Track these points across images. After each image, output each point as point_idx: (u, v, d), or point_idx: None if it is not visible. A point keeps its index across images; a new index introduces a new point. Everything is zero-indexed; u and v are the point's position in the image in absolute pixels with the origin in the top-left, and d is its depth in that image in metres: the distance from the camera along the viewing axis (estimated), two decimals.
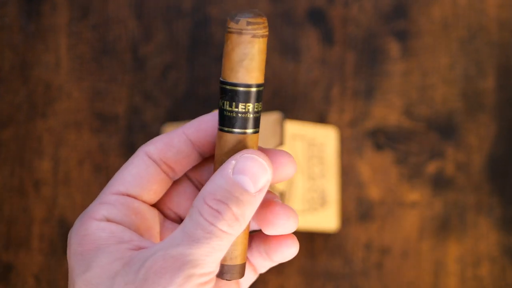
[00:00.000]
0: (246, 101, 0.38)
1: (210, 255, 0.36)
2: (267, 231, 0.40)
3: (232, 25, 0.38)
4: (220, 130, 0.39)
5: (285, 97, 0.64)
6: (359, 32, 0.65)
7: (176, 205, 0.42)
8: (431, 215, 0.64)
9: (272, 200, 0.40)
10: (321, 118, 0.64)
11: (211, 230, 0.36)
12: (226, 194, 0.37)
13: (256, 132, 0.39)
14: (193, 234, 0.36)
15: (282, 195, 0.57)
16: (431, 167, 0.64)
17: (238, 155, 0.38)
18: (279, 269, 0.63)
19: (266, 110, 0.64)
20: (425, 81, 0.65)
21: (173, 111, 0.64)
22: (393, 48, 0.65)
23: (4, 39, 0.65)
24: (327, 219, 0.63)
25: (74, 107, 0.64)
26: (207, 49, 0.65)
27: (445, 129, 0.64)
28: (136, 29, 0.65)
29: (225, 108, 0.38)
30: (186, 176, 0.42)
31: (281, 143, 0.58)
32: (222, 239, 0.37)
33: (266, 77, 0.65)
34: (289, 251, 0.41)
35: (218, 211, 0.36)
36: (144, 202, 0.40)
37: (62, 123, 0.64)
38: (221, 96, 0.39)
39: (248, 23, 0.38)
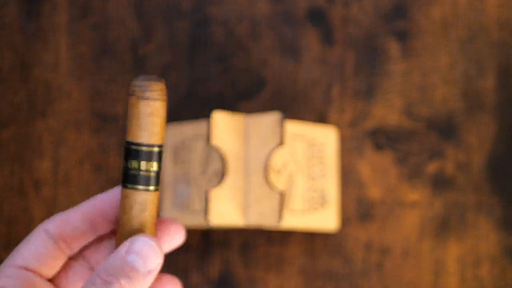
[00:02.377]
0: (149, 159, 0.42)
1: None
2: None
3: (133, 90, 0.42)
4: (124, 187, 0.43)
5: (285, 97, 0.64)
6: (359, 32, 0.65)
7: (71, 283, 0.45)
8: (431, 215, 0.64)
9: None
10: (321, 118, 0.64)
11: None
12: (118, 270, 0.41)
13: (157, 189, 0.43)
14: None
15: (282, 195, 0.57)
16: (431, 167, 0.64)
17: (132, 238, 0.42)
18: (279, 269, 0.63)
19: (266, 110, 0.64)
20: (425, 81, 0.65)
21: (172, 111, 0.64)
22: (393, 48, 0.65)
23: (4, 39, 0.65)
24: (327, 219, 0.63)
25: (74, 107, 0.64)
26: (207, 49, 0.65)
27: (445, 129, 0.64)
28: (136, 29, 0.65)
29: (129, 166, 0.42)
30: (82, 255, 0.46)
31: (281, 143, 0.58)
32: None
33: (266, 77, 0.65)
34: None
35: (108, 282, 0.41)
36: (41, 276, 0.44)
37: (62, 123, 0.64)
38: (126, 155, 0.42)
39: (148, 89, 0.42)
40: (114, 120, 0.64)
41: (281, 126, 0.58)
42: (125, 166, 0.43)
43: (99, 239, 0.46)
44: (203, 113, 0.64)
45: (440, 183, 0.64)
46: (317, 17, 0.65)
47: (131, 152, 0.42)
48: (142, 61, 0.65)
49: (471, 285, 0.63)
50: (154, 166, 0.43)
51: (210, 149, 0.60)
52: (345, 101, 0.65)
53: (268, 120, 0.59)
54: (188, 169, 0.61)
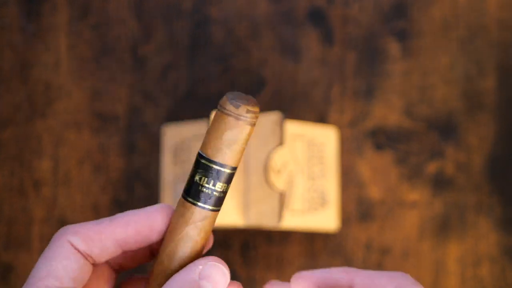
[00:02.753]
0: (226, 181, 0.40)
1: None
2: None
3: (231, 108, 0.39)
4: (185, 199, 0.41)
5: (285, 97, 0.64)
6: (359, 32, 0.65)
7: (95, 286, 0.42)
8: (431, 215, 0.64)
9: None
10: (321, 118, 0.64)
11: None
12: None
13: (218, 211, 0.41)
14: None
15: (282, 195, 0.57)
16: (431, 167, 0.64)
17: (203, 261, 0.40)
18: (279, 269, 0.63)
19: (266, 110, 0.64)
20: (425, 81, 0.65)
21: (173, 111, 0.64)
22: (393, 48, 0.65)
23: (4, 39, 0.65)
24: (327, 219, 0.63)
25: (74, 107, 0.64)
26: (207, 49, 0.65)
27: (445, 129, 0.64)
28: (136, 29, 0.65)
29: (197, 180, 0.40)
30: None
31: (281, 143, 0.58)
32: None
33: (266, 77, 0.65)
34: None
35: None
36: None
37: (62, 123, 0.64)
38: (197, 168, 0.40)
39: (248, 111, 0.39)
40: (114, 120, 0.64)
41: (281, 126, 0.58)
42: (192, 178, 0.40)
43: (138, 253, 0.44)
44: (203, 112, 0.64)
45: (440, 183, 0.64)
46: (317, 17, 0.65)
47: (204, 167, 0.40)
48: (142, 61, 0.65)
49: (471, 285, 0.63)
50: (223, 187, 0.40)
51: None
52: (345, 101, 0.65)
53: (268, 120, 0.59)
54: (188, 169, 0.61)
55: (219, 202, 0.41)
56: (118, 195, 0.63)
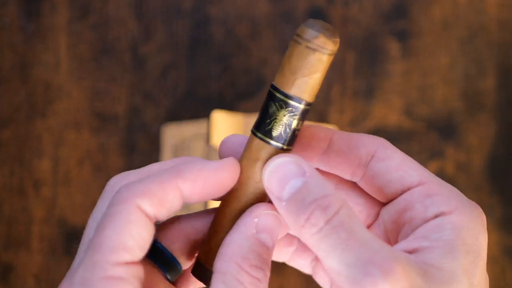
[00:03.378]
0: (301, 118, 0.37)
1: None
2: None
3: (307, 37, 0.36)
4: (255, 135, 0.37)
5: None
6: (359, 32, 0.65)
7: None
8: None
9: None
10: (321, 118, 0.64)
11: None
12: (258, 257, 0.35)
13: (290, 150, 0.37)
14: None
15: None
16: (431, 167, 0.64)
17: (257, 211, 0.36)
18: (279, 269, 0.63)
19: None
20: (425, 81, 0.65)
21: (173, 111, 0.64)
22: (393, 48, 0.65)
23: (4, 39, 0.65)
24: None
25: (73, 107, 0.64)
26: (207, 49, 0.65)
27: (445, 129, 0.64)
28: (136, 29, 0.65)
29: (275, 118, 0.36)
30: None
31: None
32: None
33: (266, 77, 0.65)
34: None
35: (258, 279, 0.35)
36: (139, 263, 0.35)
37: (61, 123, 0.64)
38: (274, 105, 0.37)
39: (325, 40, 0.35)
40: (114, 120, 0.64)
41: None
42: (265, 112, 0.37)
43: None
44: (203, 112, 0.64)
45: None
46: (317, 17, 0.65)
47: (277, 100, 0.36)
48: (142, 61, 0.65)
49: None
50: (298, 124, 0.36)
51: (210, 149, 0.60)
52: (345, 101, 0.65)
53: None
54: None
55: (293, 140, 0.37)
56: None
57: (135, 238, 0.34)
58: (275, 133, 0.37)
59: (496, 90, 0.65)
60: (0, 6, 0.65)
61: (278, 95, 0.36)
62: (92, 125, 0.64)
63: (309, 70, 0.36)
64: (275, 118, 0.37)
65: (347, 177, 0.38)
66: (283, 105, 0.36)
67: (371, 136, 0.38)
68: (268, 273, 0.35)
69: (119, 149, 0.64)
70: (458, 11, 0.65)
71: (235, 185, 0.37)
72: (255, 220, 0.35)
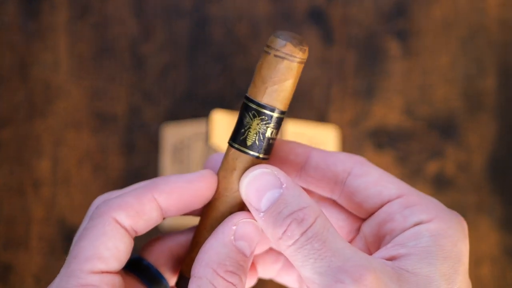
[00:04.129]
0: (275, 127, 0.38)
1: None
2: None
3: (276, 46, 0.37)
4: (231, 145, 0.38)
5: None
6: (359, 32, 0.65)
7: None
8: None
9: None
10: (321, 117, 0.64)
11: None
12: (235, 264, 0.36)
13: (267, 159, 0.38)
14: None
15: None
16: (432, 167, 0.64)
17: (236, 219, 0.36)
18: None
19: None
20: (425, 81, 0.65)
21: (172, 110, 0.64)
22: (394, 47, 0.65)
23: (3, 38, 0.65)
24: None
25: (73, 106, 0.64)
26: (207, 48, 0.65)
27: (446, 128, 0.64)
28: (135, 28, 0.65)
29: (245, 124, 0.37)
30: None
31: None
32: None
33: None
34: None
35: (233, 284, 0.36)
36: (117, 273, 0.37)
37: (61, 122, 0.64)
38: (249, 115, 0.37)
39: (293, 49, 0.37)
40: (114, 120, 0.64)
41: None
42: (240, 123, 0.37)
43: None
44: (203, 112, 0.64)
45: (440, 182, 0.64)
46: (317, 17, 0.65)
47: (251, 110, 0.37)
48: (141, 60, 0.65)
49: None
50: (273, 133, 0.37)
51: (210, 149, 0.60)
52: (345, 101, 0.64)
53: None
54: (187, 168, 0.61)
55: (269, 149, 0.38)
56: None
57: (109, 249, 0.35)
58: (249, 142, 0.37)
59: (496, 90, 0.65)
60: None
61: (251, 104, 0.37)
62: (92, 124, 0.64)
63: (279, 78, 0.37)
64: (249, 128, 0.37)
65: (326, 194, 0.39)
66: (256, 114, 0.37)
67: (348, 154, 0.39)
68: (245, 280, 0.36)
69: (118, 149, 0.64)
70: (459, 10, 0.65)
71: (214, 196, 0.38)
72: (233, 228, 0.36)
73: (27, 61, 0.65)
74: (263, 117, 0.37)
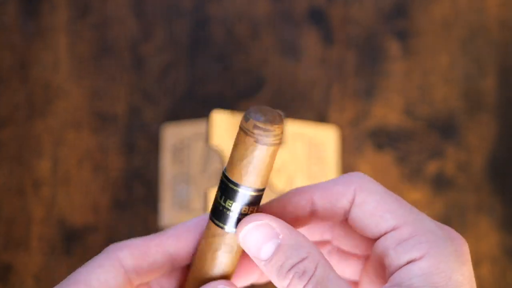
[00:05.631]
0: (252, 204, 0.37)
1: None
2: None
3: (249, 127, 0.35)
4: (213, 221, 0.38)
5: (285, 96, 0.64)
6: (359, 32, 0.65)
7: None
8: (431, 215, 0.63)
9: None
10: (321, 118, 0.64)
11: None
12: None
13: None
14: None
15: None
16: (432, 167, 0.64)
17: (219, 285, 0.38)
18: None
19: None
20: (425, 81, 0.65)
21: (172, 110, 0.64)
22: (394, 47, 0.65)
23: (3, 38, 0.65)
24: None
25: (73, 106, 0.64)
26: (207, 48, 0.65)
27: (446, 128, 0.64)
28: (135, 28, 0.65)
29: (224, 204, 0.37)
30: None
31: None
32: None
33: (266, 76, 0.64)
34: None
35: None
36: None
37: (61, 122, 0.64)
38: (222, 191, 0.37)
39: (267, 130, 0.35)
40: (114, 120, 0.64)
41: None
42: (218, 201, 0.37)
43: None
44: (202, 112, 0.64)
45: (440, 183, 0.64)
46: (317, 17, 0.65)
47: (230, 191, 0.37)
48: (141, 60, 0.65)
49: None
50: (249, 209, 0.37)
51: (210, 149, 0.60)
52: (345, 101, 0.64)
53: None
54: (187, 169, 0.61)
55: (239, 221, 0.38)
56: (117, 194, 0.63)
57: (99, 280, 0.37)
58: (228, 220, 0.37)
59: (496, 90, 0.65)
60: None
61: (227, 182, 0.37)
62: (92, 124, 0.64)
63: (254, 158, 0.36)
64: (225, 207, 0.37)
65: (339, 225, 0.41)
66: (232, 194, 0.37)
67: (346, 179, 0.39)
68: None
69: (118, 149, 0.64)
70: (458, 10, 0.65)
71: (196, 256, 0.39)
72: None
73: (27, 61, 0.65)
74: (240, 196, 0.37)
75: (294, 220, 0.39)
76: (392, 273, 0.37)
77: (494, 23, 0.65)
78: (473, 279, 0.38)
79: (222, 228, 0.37)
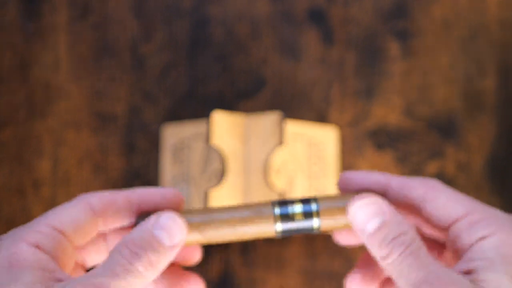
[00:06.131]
0: None
1: None
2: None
3: None
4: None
5: (285, 96, 0.64)
6: (359, 32, 0.65)
7: (89, 256, 0.47)
8: None
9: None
10: (321, 118, 0.64)
11: (129, 268, 0.41)
12: (145, 243, 0.42)
13: None
14: (114, 269, 0.41)
15: (282, 194, 0.57)
16: (432, 167, 0.64)
17: (159, 213, 0.44)
18: (279, 269, 0.63)
19: (266, 110, 0.64)
20: (425, 81, 0.65)
21: (172, 110, 0.64)
22: (394, 47, 0.65)
23: (3, 38, 0.65)
24: None
25: (73, 106, 0.64)
26: (207, 48, 0.65)
27: (446, 128, 0.64)
28: (135, 28, 0.65)
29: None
30: (103, 235, 0.47)
31: (281, 142, 0.58)
32: (137, 278, 0.42)
33: (266, 76, 0.65)
34: None
35: (137, 254, 0.42)
36: (71, 243, 0.44)
37: (61, 122, 0.64)
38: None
39: None
40: (114, 120, 0.64)
41: (281, 125, 0.58)
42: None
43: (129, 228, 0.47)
44: (203, 112, 0.64)
45: None
46: (317, 17, 0.65)
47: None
48: (142, 60, 0.65)
49: None
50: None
51: (210, 149, 0.60)
52: (345, 101, 0.64)
53: (268, 119, 0.59)
54: (187, 169, 0.61)
55: None
56: None
57: (71, 217, 0.44)
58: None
59: (496, 90, 0.65)
60: (0, 6, 0.65)
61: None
62: (92, 125, 0.64)
63: None
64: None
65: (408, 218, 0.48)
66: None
67: (422, 179, 0.47)
68: (152, 266, 0.42)
69: (118, 149, 0.64)
70: (459, 10, 0.65)
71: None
72: (153, 218, 0.43)
73: (27, 61, 0.65)
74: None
75: None
76: (465, 251, 0.44)
77: (494, 23, 0.65)
78: None
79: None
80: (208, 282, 0.63)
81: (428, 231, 0.48)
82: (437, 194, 0.45)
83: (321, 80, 0.65)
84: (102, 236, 0.47)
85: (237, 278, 0.63)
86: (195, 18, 0.65)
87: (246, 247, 0.63)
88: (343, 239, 0.51)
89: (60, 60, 0.65)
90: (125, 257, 0.42)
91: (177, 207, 0.46)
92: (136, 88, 0.64)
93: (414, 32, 0.65)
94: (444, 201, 0.45)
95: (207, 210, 0.46)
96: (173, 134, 0.62)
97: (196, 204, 0.61)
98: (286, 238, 0.63)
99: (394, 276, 0.43)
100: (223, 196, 0.58)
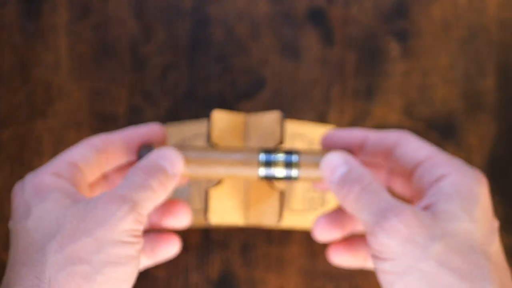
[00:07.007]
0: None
1: (145, 202, 0.48)
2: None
3: None
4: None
5: (285, 96, 0.64)
6: (359, 32, 0.65)
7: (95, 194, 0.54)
8: None
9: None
10: (321, 118, 0.64)
11: (145, 184, 0.48)
12: (154, 168, 0.50)
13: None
14: (133, 185, 0.48)
15: (282, 194, 0.57)
16: None
17: (160, 148, 0.51)
18: (279, 269, 0.63)
19: (266, 110, 0.64)
20: (425, 81, 0.65)
21: (173, 111, 0.64)
22: (393, 48, 0.65)
23: (4, 38, 0.65)
24: None
25: (73, 107, 0.64)
26: (207, 49, 0.65)
27: (445, 129, 0.64)
28: (136, 29, 0.65)
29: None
30: (106, 177, 0.55)
31: (280, 142, 0.58)
32: (154, 193, 0.48)
33: (266, 76, 0.65)
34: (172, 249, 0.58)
35: (149, 174, 0.49)
36: (84, 177, 0.51)
37: (62, 123, 0.64)
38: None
39: None
40: (114, 120, 0.64)
41: (281, 125, 0.58)
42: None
43: (128, 165, 0.55)
44: (203, 112, 0.64)
45: None
46: (317, 17, 0.65)
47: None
48: (142, 61, 0.65)
49: None
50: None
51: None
52: (345, 101, 0.65)
53: (268, 119, 0.59)
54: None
55: None
56: None
57: (81, 154, 0.51)
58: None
59: (496, 90, 0.65)
60: (0, 6, 0.65)
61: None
62: (92, 125, 0.64)
63: None
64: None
65: (383, 163, 0.54)
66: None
67: (396, 131, 0.53)
68: (162, 185, 0.49)
69: None
70: (458, 11, 0.65)
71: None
72: (155, 152, 0.51)
73: (28, 62, 0.65)
74: None
75: (350, 151, 0.54)
76: (428, 189, 0.49)
77: (494, 23, 0.65)
78: (489, 202, 0.49)
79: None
80: (208, 282, 0.63)
81: (398, 188, 0.54)
82: (406, 141, 0.52)
83: (321, 80, 0.65)
84: (105, 178, 0.54)
85: (237, 278, 0.63)
86: (195, 18, 0.65)
87: (246, 247, 0.63)
88: (321, 234, 0.57)
89: (60, 60, 0.65)
90: (140, 177, 0.48)
91: (163, 139, 0.54)
92: (136, 88, 0.64)
93: (414, 32, 0.65)
94: (412, 147, 0.51)
95: (203, 148, 0.52)
96: (174, 134, 0.62)
97: (197, 204, 0.61)
98: (286, 238, 0.63)
99: (356, 212, 0.48)
100: (223, 195, 0.58)
